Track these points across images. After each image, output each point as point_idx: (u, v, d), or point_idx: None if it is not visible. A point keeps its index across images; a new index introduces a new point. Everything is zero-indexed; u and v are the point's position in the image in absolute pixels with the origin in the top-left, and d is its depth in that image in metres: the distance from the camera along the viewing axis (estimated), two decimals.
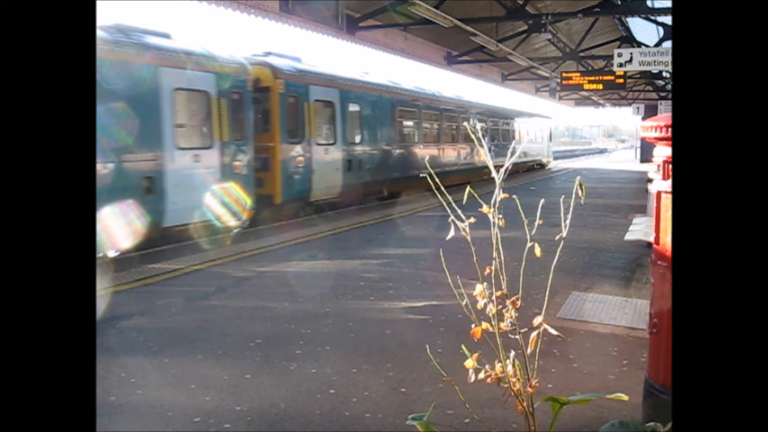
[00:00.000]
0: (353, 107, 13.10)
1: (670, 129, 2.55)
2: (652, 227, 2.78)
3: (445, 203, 1.88)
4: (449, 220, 1.85)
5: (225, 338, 4.43)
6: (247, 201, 9.64)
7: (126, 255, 7.26)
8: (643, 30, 17.25)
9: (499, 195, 1.85)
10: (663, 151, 2.74)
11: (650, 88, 31.06)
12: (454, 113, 18.49)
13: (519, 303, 1.91)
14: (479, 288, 1.88)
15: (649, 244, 3.30)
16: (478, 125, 19.64)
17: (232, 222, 9.39)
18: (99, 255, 6.90)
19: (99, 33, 7.39)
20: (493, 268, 1.91)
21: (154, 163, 8.08)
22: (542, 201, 1.96)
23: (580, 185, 1.89)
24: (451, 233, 1.84)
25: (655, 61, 12.78)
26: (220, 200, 9.09)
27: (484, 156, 1.92)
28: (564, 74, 17.61)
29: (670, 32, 13.88)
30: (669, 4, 13.11)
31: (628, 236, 8.31)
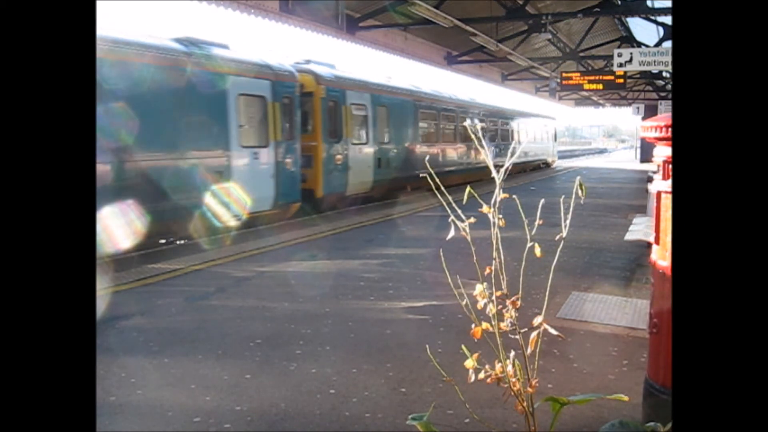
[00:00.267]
0: (382, 110, 14.35)
1: (670, 129, 2.55)
2: (652, 227, 2.78)
3: (445, 203, 1.88)
4: (449, 220, 1.85)
5: (225, 338, 4.43)
6: (297, 194, 10.95)
7: (127, 255, 7.27)
8: (643, 30, 17.25)
9: (499, 195, 1.85)
10: (663, 151, 2.74)
11: (650, 88, 31.07)
12: (470, 115, 19.76)
13: (519, 303, 1.91)
14: (479, 288, 1.88)
15: (649, 244, 3.30)
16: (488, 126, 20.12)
17: (286, 213, 10.70)
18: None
19: (174, 45, 8.72)
20: (493, 268, 1.91)
21: (223, 160, 9.21)
22: (542, 201, 1.96)
23: (580, 185, 1.89)
24: (451, 233, 1.84)
25: (655, 61, 12.78)
26: (274, 193, 10.36)
27: (485, 156, 1.93)
28: (564, 74, 17.60)
29: (670, 32, 13.87)
30: (669, 4, 13.11)
31: (628, 236, 8.30)
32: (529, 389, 1.90)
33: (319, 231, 9.57)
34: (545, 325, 1.89)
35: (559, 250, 1.90)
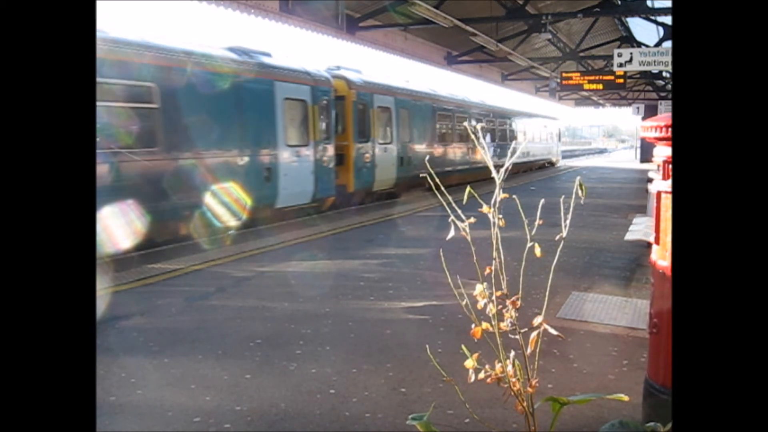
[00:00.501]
0: (404, 112, 15.54)
1: (670, 129, 2.55)
2: (652, 227, 2.78)
3: (445, 203, 1.88)
4: (449, 220, 1.85)
5: (225, 338, 4.43)
6: (332, 189, 12.07)
7: (128, 255, 7.26)
8: (643, 30, 17.26)
9: (499, 195, 1.85)
10: (663, 151, 2.74)
11: (650, 88, 31.07)
12: (482, 117, 20.74)
13: (519, 303, 1.91)
14: (479, 288, 1.88)
15: (649, 244, 3.30)
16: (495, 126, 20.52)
17: (322, 206, 11.75)
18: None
19: (228, 54, 9.80)
20: (493, 268, 1.91)
21: (271, 157, 10.33)
22: (542, 201, 1.96)
23: (580, 185, 1.89)
24: (451, 233, 1.84)
25: (655, 61, 12.79)
26: (314, 188, 11.40)
27: (484, 156, 1.94)
28: (564, 74, 17.61)
29: (670, 32, 13.88)
30: (669, 4, 13.11)
31: (628, 236, 8.30)
32: (529, 389, 1.90)
33: (319, 231, 9.57)
34: (545, 325, 1.89)
35: (559, 250, 1.90)
